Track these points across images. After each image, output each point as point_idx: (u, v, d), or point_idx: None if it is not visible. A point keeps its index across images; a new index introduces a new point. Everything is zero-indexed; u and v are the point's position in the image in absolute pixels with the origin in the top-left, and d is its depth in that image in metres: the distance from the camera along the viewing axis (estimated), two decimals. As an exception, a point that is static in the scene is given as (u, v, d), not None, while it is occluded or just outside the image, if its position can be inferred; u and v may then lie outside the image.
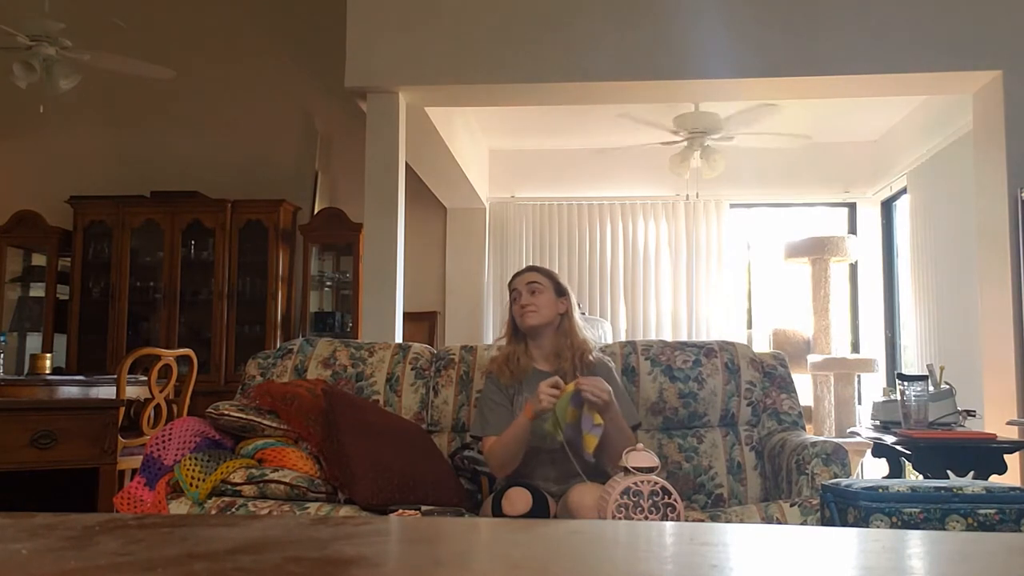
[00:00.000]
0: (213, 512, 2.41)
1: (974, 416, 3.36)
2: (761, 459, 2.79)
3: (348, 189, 6.09)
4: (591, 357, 2.56)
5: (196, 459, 2.53)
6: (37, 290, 6.11)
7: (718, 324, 6.74)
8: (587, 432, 2.24)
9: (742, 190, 6.81)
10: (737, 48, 4.22)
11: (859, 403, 6.12)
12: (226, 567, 0.65)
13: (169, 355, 4.03)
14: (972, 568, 0.74)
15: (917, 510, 1.88)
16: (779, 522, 2.35)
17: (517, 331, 2.61)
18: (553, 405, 2.24)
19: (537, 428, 2.32)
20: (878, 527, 1.87)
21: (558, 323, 2.57)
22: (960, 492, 1.90)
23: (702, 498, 2.74)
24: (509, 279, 2.69)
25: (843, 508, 1.97)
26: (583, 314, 3.31)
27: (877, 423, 3.55)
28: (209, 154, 6.26)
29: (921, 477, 2.99)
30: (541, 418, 2.29)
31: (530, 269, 2.67)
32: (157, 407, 3.93)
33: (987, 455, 3.06)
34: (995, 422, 3.93)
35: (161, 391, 3.94)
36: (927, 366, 3.72)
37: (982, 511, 1.87)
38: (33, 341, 6.06)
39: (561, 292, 2.60)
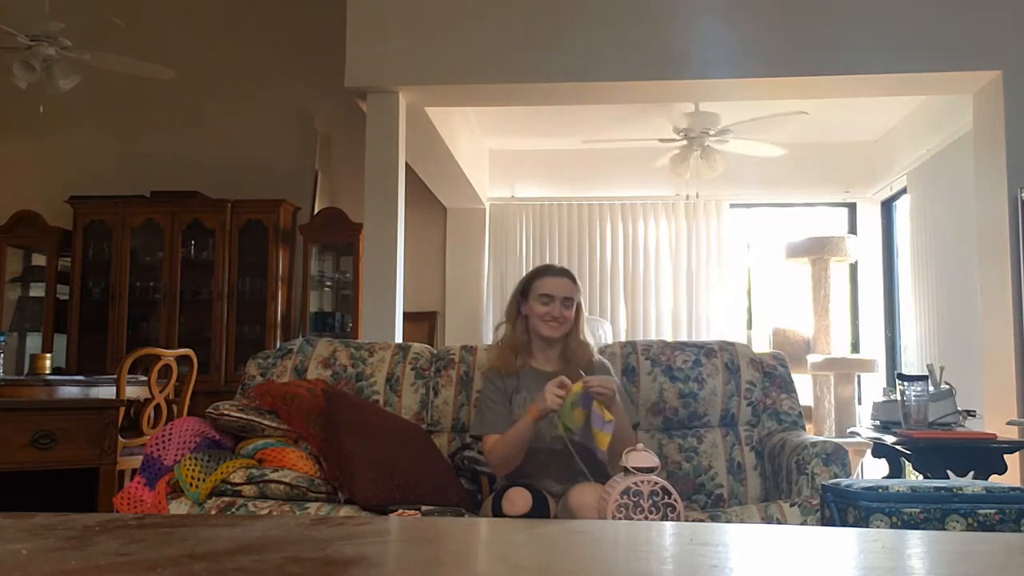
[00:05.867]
0: (213, 512, 2.41)
1: (974, 416, 3.36)
2: (761, 459, 2.79)
3: (348, 189, 6.09)
4: (593, 359, 2.55)
5: (196, 459, 2.53)
6: (37, 290, 6.11)
7: (718, 324, 6.73)
8: (599, 430, 2.20)
9: (742, 190, 6.81)
10: (737, 48, 4.22)
11: (859, 403, 6.12)
12: (226, 567, 0.65)
13: (169, 355, 4.03)
14: (972, 568, 0.74)
15: (917, 510, 1.88)
16: (779, 522, 2.35)
17: (519, 323, 2.58)
18: (559, 406, 2.23)
19: (540, 428, 2.32)
20: (878, 527, 1.87)
21: (569, 330, 2.55)
22: (960, 492, 1.90)
23: (702, 498, 2.74)
24: (534, 272, 2.60)
25: (843, 508, 1.97)
26: None
27: (877, 423, 3.55)
28: (209, 154, 6.26)
29: (921, 477, 2.99)
30: (547, 419, 2.29)
31: (566, 274, 2.57)
32: (157, 407, 3.93)
33: (987, 455, 3.06)
34: (995, 422, 3.93)
35: (161, 391, 3.94)
36: (927, 366, 3.72)
37: (982, 511, 1.87)
38: (33, 341, 6.06)
39: (579, 301, 2.57)
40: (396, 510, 2.30)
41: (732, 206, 6.98)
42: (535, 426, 2.31)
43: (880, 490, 1.92)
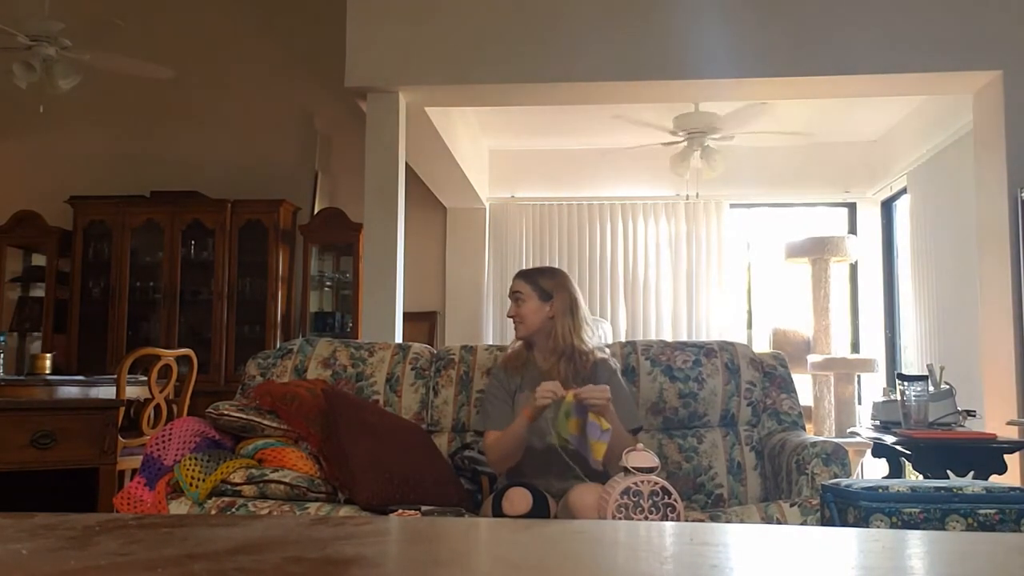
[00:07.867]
0: (213, 512, 2.41)
1: (974, 416, 3.36)
2: (761, 459, 2.79)
3: (348, 189, 6.09)
4: (592, 358, 2.53)
5: (196, 459, 2.53)
6: (37, 290, 6.11)
7: (718, 324, 6.73)
8: (595, 440, 2.17)
9: (742, 190, 6.81)
10: (737, 48, 4.22)
11: (859, 403, 6.12)
12: (226, 567, 0.65)
13: (169, 355, 4.03)
14: (972, 568, 0.74)
15: (917, 510, 1.88)
16: (779, 522, 2.35)
17: None
18: (549, 403, 2.23)
19: (540, 427, 2.32)
20: (878, 527, 1.87)
21: (549, 328, 2.54)
22: (960, 492, 1.90)
23: (702, 498, 2.74)
24: None
25: (843, 508, 1.97)
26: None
27: (877, 423, 3.55)
28: (209, 154, 6.26)
29: (921, 477, 2.99)
30: (545, 420, 2.29)
31: (517, 276, 2.62)
32: (157, 407, 3.93)
33: (987, 455, 3.06)
34: (995, 422, 3.93)
35: (161, 391, 3.94)
36: (927, 366, 3.72)
37: (982, 511, 1.87)
38: (33, 341, 6.06)
39: (547, 297, 2.54)
40: (396, 510, 2.30)
41: (732, 206, 6.98)
42: (530, 426, 2.31)
43: (880, 490, 1.92)
